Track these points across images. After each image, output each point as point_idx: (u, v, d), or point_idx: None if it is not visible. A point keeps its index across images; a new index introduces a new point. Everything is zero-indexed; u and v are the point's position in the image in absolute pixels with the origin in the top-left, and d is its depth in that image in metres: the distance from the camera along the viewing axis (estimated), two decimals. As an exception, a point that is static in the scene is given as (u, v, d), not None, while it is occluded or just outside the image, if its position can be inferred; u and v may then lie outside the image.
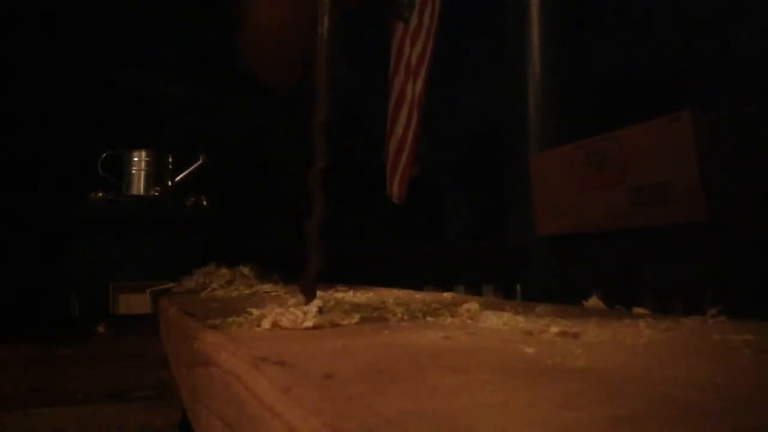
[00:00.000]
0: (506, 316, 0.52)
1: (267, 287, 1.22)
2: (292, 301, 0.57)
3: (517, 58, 2.67)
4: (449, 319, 0.54)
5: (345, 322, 0.54)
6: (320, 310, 0.56)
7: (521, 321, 0.50)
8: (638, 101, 2.84)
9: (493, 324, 0.50)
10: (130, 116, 2.71)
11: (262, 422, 0.29)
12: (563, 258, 2.24)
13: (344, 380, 0.28)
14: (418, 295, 0.94)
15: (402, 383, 0.28)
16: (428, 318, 0.56)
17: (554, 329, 0.44)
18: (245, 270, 1.49)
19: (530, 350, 0.35)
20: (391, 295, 0.91)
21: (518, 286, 2.61)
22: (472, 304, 0.57)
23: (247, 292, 1.18)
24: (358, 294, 0.93)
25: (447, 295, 0.93)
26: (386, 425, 0.22)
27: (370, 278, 1.52)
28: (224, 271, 1.50)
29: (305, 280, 0.61)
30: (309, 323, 0.51)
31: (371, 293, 0.94)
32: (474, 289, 2.52)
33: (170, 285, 1.53)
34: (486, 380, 0.27)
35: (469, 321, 0.53)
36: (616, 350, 0.36)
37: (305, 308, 0.55)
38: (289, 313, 0.53)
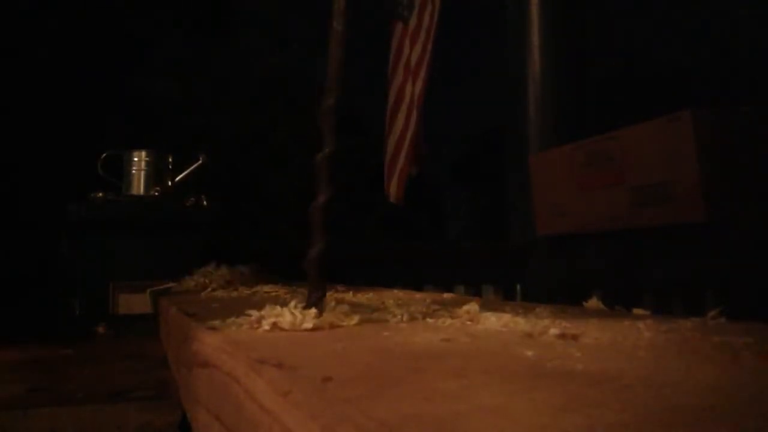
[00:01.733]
0: (506, 317, 0.51)
1: (267, 287, 1.21)
2: (291, 302, 0.57)
3: (517, 58, 2.67)
4: (449, 321, 0.54)
5: (344, 324, 0.53)
6: (319, 312, 0.56)
7: (521, 322, 0.50)
8: (638, 101, 2.84)
9: (493, 325, 0.50)
10: (130, 116, 2.71)
11: (261, 425, 0.29)
12: (563, 258, 2.24)
13: (343, 383, 0.28)
14: (418, 296, 0.94)
15: (401, 386, 0.27)
16: (428, 319, 0.56)
17: (554, 331, 0.44)
18: (245, 270, 1.49)
19: (530, 353, 0.34)
20: (391, 296, 0.91)
21: (518, 286, 2.61)
22: (472, 306, 0.57)
23: (247, 292, 1.17)
24: (358, 294, 0.93)
25: (447, 295, 0.93)
26: (384, 429, 0.22)
27: (370, 278, 1.53)
28: (224, 271, 1.49)
29: (305, 288, 0.61)
30: (308, 325, 0.51)
31: (371, 294, 0.94)
32: (474, 289, 2.52)
33: (170, 285, 1.53)
34: (485, 383, 0.27)
35: (469, 322, 0.53)
36: (616, 353, 0.36)
37: (304, 310, 0.55)
38: (288, 314, 0.53)
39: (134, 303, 1.82)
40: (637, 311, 0.62)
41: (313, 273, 0.60)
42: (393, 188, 1.86)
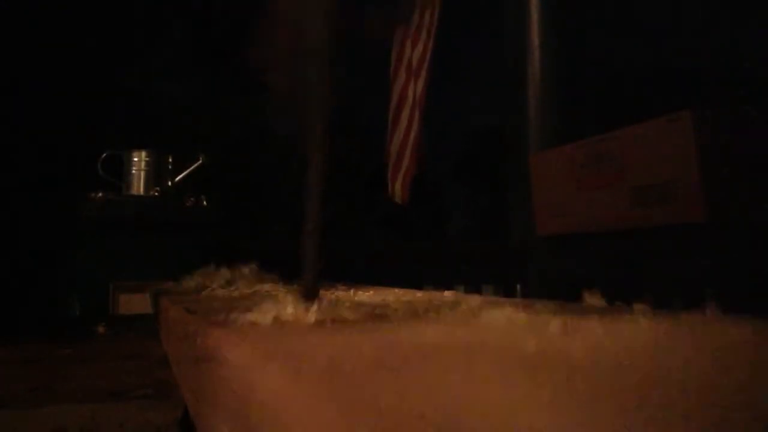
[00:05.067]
0: (507, 311, 0.52)
1: (267, 287, 1.21)
2: (294, 297, 0.57)
3: (516, 58, 2.67)
4: (450, 315, 0.54)
5: (346, 318, 0.54)
6: (321, 306, 0.56)
7: (522, 316, 0.50)
8: (638, 101, 2.84)
9: (494, 319, 0.50)
10: (130, 116, 2.71)
11: (268, 418, 0.29)
12: (563, 258, 2.24)
13: (347, 375, 0.28)
14: (419, 294, 0.94)
15: (405, 380, 0.27)
16: (430, 314, 0.56)
17: (555, 325, 0.44)
18: (245, 270, 1.48)
19: (532, 347, 0.35)
20: (392, 294, 0.91)
21: (518, 286, 2.61)
22: (473, 300, 0.57)
23: (247, 291, 1.17)
24: (359, 293, 0.93)
25: (448, 293, 0.93)
26: (390, 426, 0.22)
27: (370, 278, 1.52)
28: (224, 271, 1.48)
29: (305, 284, 0.60)
30: (311, 319, 0.51)
31: (372, 292, 0.94)
32: (474, 289, 2.52)
33: (170, 285, 1.53)
34: (487, 377, 0.27)
35: (471, 317, 0.53)
36: (617, 348, 0.36)
37: (307, 304, 0.55)
38: (290, 308, 0.53)
39: (134, 303, 1.82)
40: (637, 306, 0.62)
41: (310, 250, 0.60)
42: (398, 189, 1.86)
